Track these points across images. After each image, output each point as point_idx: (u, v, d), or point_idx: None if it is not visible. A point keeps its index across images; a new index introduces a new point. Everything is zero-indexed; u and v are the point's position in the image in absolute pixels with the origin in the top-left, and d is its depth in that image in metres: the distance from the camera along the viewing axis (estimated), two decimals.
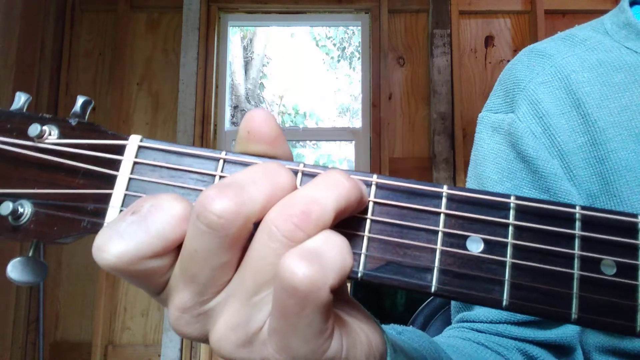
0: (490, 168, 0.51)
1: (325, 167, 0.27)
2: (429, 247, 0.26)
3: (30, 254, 0.28)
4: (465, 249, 0.26)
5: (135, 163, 0.28)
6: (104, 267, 0.24)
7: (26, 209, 0.27)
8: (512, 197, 0.26)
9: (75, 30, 2.30)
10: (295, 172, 0.27)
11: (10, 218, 0.27)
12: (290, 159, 0.28)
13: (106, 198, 0.27)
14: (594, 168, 0.45)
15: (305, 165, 0.27)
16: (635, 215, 0.25)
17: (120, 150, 0.28)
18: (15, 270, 0.27)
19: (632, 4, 0.52)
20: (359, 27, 2.38)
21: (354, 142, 2.31)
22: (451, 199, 0.26)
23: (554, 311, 0.25)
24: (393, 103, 2.25)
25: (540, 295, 0.25)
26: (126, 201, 0.27)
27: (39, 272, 0.27)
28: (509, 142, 0.50)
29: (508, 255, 0.25)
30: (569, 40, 0.52)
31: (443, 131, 2.15)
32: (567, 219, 0.25)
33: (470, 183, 0.56)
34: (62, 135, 0.28)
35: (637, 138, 0.44)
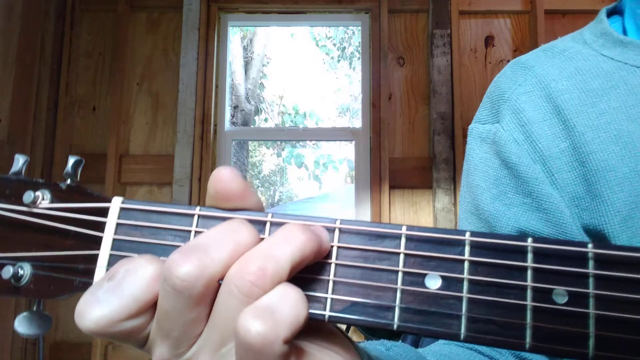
0: (479, 176, 0.54)
1: (294, 216, 0.29)
2: (390, 287, 0.27)
3: (34, 309, 0.30)
4: (424, 286, 0.27)
5: (118, 224, 0.30)
6: (85, 332, 0.26)
7: (26, 270, 0.30)
8: (467, 234, 0.27)
9: (75, 30, 2.29)
10: (264, 223, 0.29)
11: (12, 280, 0.30)
12: (260, 207, 0.30)
13: (94, 258, 0.30)
14: (577, 171, 0.47)
15: (273, 215, 0.29)
16: (584, 244, 0.26)
17: (104, 212, 0.30)
18: (22, 324, 0.30)
19: (609, 15, 0.55)
20: (359, 27, 2.38)
21: (354, 142, 2.31)
22: (410, 238, 0.28)
23: (508, 341, 0.26)
24: (393, 103, 2.25)
25: (495, 327, 0.26)
26: (111, 261, 0.29)
27: (44, 324, 0.30)
28: (495, 150, 0.53)
29: (464, 290, 0.27)
30: (549, 51, 0.54)
31: (443, 131, 2.15)
32: (520, 252, 0.27)
33: (463, 192, 0.58)
34: (53, 198, 0.31)
35: (616, 140, 0.45)
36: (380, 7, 2.27)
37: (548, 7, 2.23)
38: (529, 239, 0.27)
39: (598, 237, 0.45)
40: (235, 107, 6.56)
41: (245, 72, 6.74)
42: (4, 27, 1.92)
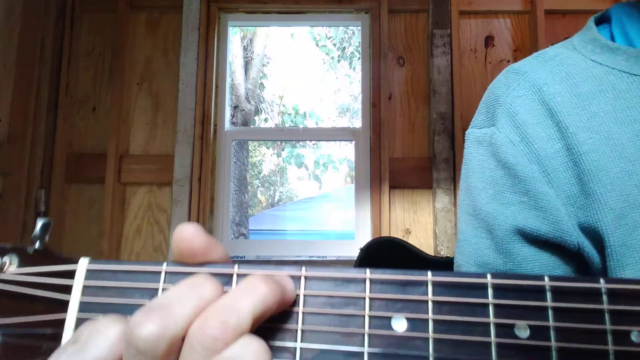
0: (476, 178, 0.55)
1: (261, 263, 0.29)
2: (358, 332, 0.27)
3: None
4: (391, 329, 0.27)
5: (85, 286, 0.30)
6: None
7: None
8: (429, 274, 0.28)
9: (75, 30, 2.30)
10: (230, 275, 0.29)
11: None
12: (226, 258, 0.30)
13: (61, 322, 0.29)
14: (571, 171, 0.48)
15: (239, 267, 0.29)
16: (541, 278, 0.27)
17: (71, 274, 0.30)
18: None
19: (598, 24, 0.57)
20: (359, 27, 2.38)
21: (354, 142, 2.31)
22: (374, 281, 0.28)
23: None
24: (393, 103, 2.25)
25: None
26: (79, 324, 0.29)
27: None
28: (491, 152, 0.54)
29: (430, 331, 0.27)
30: (541, 57, 0.56)
31: (443, 131, 2.15)
32: (481, 288, 0.27)
33: (461, 195, 0.59)
34: (21, 263, 0.31)
35: (606, 141, 0.47)
36: (380, 7, 2.27)
37: (548, 7, 2.23)
38: (488, 275, 0.27)
39: (594, 234, 0.46)
40: (235, 107, 6.56)
41: (245, 72, 6.75)
42: (4, 27, 1.92)
